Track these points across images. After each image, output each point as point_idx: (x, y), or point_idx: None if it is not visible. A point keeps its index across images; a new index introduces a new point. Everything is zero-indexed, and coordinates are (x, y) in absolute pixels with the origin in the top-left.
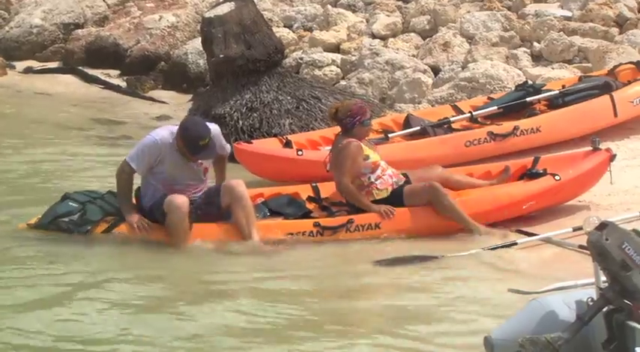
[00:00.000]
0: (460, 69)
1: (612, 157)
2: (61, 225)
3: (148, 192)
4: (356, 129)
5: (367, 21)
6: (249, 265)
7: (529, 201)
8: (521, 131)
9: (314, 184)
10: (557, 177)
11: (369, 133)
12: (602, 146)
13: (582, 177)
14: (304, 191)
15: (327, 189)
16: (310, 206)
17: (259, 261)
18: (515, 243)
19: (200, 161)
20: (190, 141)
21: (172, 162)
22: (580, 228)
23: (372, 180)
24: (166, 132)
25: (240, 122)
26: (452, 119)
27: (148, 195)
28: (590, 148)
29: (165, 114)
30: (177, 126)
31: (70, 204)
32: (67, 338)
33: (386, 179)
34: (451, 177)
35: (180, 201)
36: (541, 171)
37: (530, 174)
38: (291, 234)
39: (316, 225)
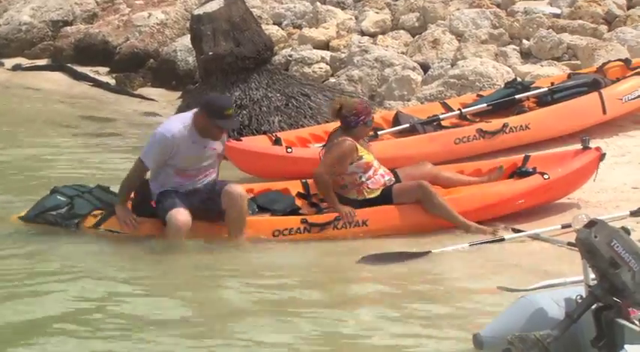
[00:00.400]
0: (449, 66)
1: (602, 156)
2: (49, 218)
3: (159, 177)
4: (358, 128)
5: (356, 18)
6: (237, 265)
7: (518, 200)
8: (511, 128)
9: (304, 180)
10: (545, 176)
11: (369, 134)
12: (592, 144)
13: (571, 175)
14: (294, 187)
15: None
16: (299, 202)
17: (248, 260)
18: (503, 239)
19: (213, 147)
20: (216, 111)
21: (186, 153)
22: (569, 226)
23: (364, 179)
24: (178, 124)
25: None
26: (441, 116)
27: (159, 180)
28: (580, 147)
29: (154, 111)
30: (192, 113)
31: (58, 197)
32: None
33: (377, 179)
34: (440, 174)
35: (182, 220)
36: (530, 170)
37: (519, 173)
38: (279, 230)
39: (304, 221)
